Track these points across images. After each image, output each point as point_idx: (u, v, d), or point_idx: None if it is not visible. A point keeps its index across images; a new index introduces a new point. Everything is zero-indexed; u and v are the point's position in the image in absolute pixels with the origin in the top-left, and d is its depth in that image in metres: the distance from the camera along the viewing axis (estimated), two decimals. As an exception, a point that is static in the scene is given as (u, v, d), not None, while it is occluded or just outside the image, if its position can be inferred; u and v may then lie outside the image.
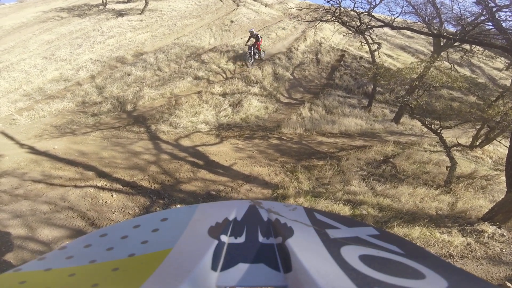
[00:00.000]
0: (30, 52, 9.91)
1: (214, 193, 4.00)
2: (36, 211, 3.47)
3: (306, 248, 0.48)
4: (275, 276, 0.45)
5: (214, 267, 0.45)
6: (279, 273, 0.45)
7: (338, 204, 3.71)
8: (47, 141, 5.45)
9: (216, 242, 0.50)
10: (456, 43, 8.05)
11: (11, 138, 5.52)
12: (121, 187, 4.04)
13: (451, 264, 0.50)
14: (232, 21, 13.99)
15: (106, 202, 3.72)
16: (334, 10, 9.00)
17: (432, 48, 9.43)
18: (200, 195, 3.95)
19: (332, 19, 9.11)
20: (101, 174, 4.30)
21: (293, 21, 14.50)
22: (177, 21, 13.70)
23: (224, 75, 9.24)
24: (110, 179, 4.20)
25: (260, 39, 9.77)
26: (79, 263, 0.46)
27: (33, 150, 5.02)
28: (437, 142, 5.86)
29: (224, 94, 8.05)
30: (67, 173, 4.29)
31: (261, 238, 0.55)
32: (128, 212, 3.60)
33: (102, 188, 3.97)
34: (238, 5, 16.54)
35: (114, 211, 3.58)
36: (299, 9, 13.56)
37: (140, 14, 14.46)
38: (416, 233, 3.21)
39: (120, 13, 14.64)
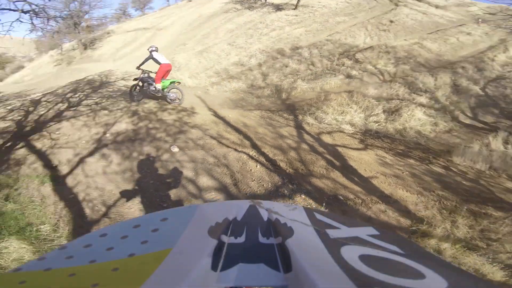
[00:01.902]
0: (220, 38, 12.58)
1: (341, 198, 3.69)
2: (205, 161, 4.36)
3: (306, 248, 0.47)
4: (275, 276, 0.44)
5: (214, 267, 0.45)
6: (279, 273, 0.45)
7: (493, 266, 2.84)
8: (225, 110, 6.85)
9: (216, 242, 0.49)
10: None
11: (204, 103, 7.36)
12: (264, 161, 4.46)
13: (451, 264, 0.47)
14: (391, 21, 12.66)
15: (251, 169, 4.22)
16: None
17: None
18: (327, 195, 3.75)
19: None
20: (254, 146, 4.93)
21: (483, 26, 11.64)
22: (328, 18, 13.59)
23: (381, 77, 8.62)
24: (259, 151, 4.74)
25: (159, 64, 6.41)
26: (79, 263, 0.45)
27: (215, 114, 6.42)
28: None
29: (378, 98, 7.41)
30: (232, 137, 5.22)
31: (261, 238, 0.54)
32: (262, 185, 3.88)
33: (252, 157, 4.52)
34: (396, 5, 14.80)
35: (254, 179, 3.99)
36: (491, 14, 10.73)
37: (294, 9, 15.09)
38: None
39: (278, 7, 15.72)
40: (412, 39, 10.77)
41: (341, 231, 0.58)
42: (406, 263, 0.44)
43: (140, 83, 6.79)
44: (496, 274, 2.83)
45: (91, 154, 4.51)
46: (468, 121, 6.70)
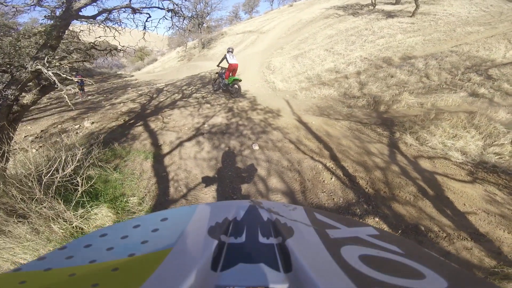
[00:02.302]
0: (317, 44, 12.46)
1: (422, 228, 3.30)
2: (279, 163, 4.37)
3: (306, 248, 0.47)
4: (275, 276, 0.43)
5: (214, 267, 0.44)
6: (279, 273, 0.44)
7: None
8: (309, 116, 6.70)
9: (216, 242, 0.49)
10: None
11: (290, 107, 7.40)
12: (341, 175, 4.19)
13: (451, 264, 0.45)
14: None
15: (324, 181, 4.01)
16: None
17: None
18: (406, 222, 3.35)
19: None
20: (333, 157, 4.66)
21: None
22: (456, 27, 11.47)
23: (521, 100, 6.64)
24: (337, 164, 4.46)
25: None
26: (79, 263, 0.45)
27: (298, 119, 6.38)
28: None
29: (510, 125, 5.79)
30: (311, 145, 5.06)
31: (261, 238, 0.54)
32: (333, 199, 3.67)
33: (327, 168, 4.30)
34: None
35: (324, 191, 3.79)
36: None
37: (410, 16, 13.68)
38: None
39: (389, 15, 14.48)
40: None
41: (341, 231, 0.58)
42: (406, 263, 0.44)
43: (218, 77, 8.56)
44: None
45: (189, 139, 5.26)
46: None
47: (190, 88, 9.62)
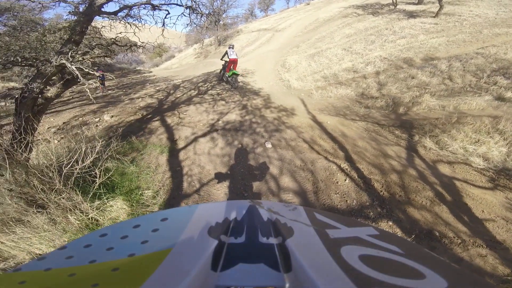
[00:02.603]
0: (335, 43, 12.24)
1: (437, 234, 3.23)
2: (292, 162, 4.33)
3: (306, 248, 0.47)
4: (275, 276, 0.44)
5: (214, 267, 0.44)
6: (279, 273, 0.44)
7: None
8: (325, 116, 6.60)
9: (216, 242, 0.49)
10: None
11: (305, 105, 7.32)
12: (356, 176, 4.11)
13: (451, 264, 0.45)
14: None
15: (337, 182, 3.95)
16: None
17: None
18: (420, 227, 3.27)
19: None
20: (348, 158, 4.58)
21: None
22: (483, 29, 10.96)
23: (554, 105, 6.25)
24: (352, 166, 4.38)
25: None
26: (79, 263, 0.45)
27: (313, 119, 6.30)
28: None
29: (538, 131, 5.46)
30: (326, 145, 4.99)
31: (261, 238, 0.54)
32: (346, 200, 3.61)
33: (342, 170, 4.23)
34: None
35: (338, 192, 3.73)
36: None
37: (434, 17, 13.24)
38: None
39: (411, 15, 14.06)
40: None
41: (341, 231, 0.58)
42: (406, 263, 0.44)
43: (222, 70, 9.75)
44: None
45: (204, 135, 5.32)
46: None
47: (206, 85, 9.72)
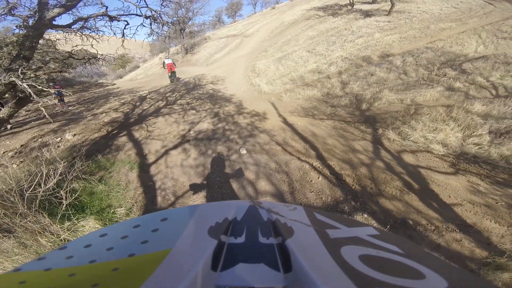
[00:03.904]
0: (299, 45, 12.66)
1: (411, 222, 3.37)
2: (267, 165, 4.39)
3: (306, 248, 0.47)
4: (275, 276, 0.43)
5: (214, 267, 0.44)
6: (279, 273, 0.44)
7: None
8: (295, 117, 6.77)
9: (216, 242, 0.49)
10: None
11: (276, 109, 7.45)
12: (328, 173, 4.24)
13: (451, 264, 0.46)
14: (515, 28, 10.15)
15: (311, 180, 4.05)
16: None
17: None
18: (394, 217, 3.42)
19: None
20: (319, 157, 4.72)
21: None
22: (430, 24, 12.03)
23: (493, 92, 6.99)
24: (324, 163, 4.52)
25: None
26: (79, 263, 0.45)
27: (284, 121, 6.43)
28: None
29: (485, 116, 6.04)
30: (298, 146, 5.11)
31: (261, 238, 0.54)
32: (321, 198, 3.71)
33: (315, 168, 4.35)
34: None
35: (312, 191, 3.83)
36: None
37: (387, 15, 14.16)
38: None
39: (367, 14, 14.93)
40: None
41: (341, 231, 0.58)
42: (406, 263, 0.44)
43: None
44: None
45: (175, 147, 5.19)
46: None
47: (174, 95, 9.52)
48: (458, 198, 3.90)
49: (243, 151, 4.88)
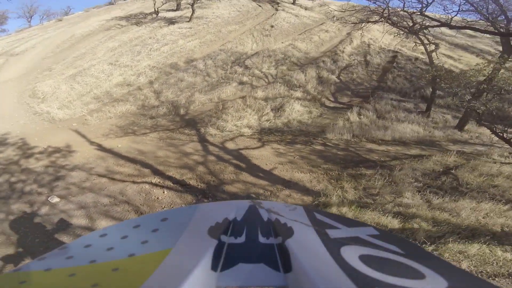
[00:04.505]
0: (98, 59, 11.24)
1: (254, 196, 4.05)
2: (98, 203, 3.84)
3: (306, 248, 0.48)
4: (275, 276, 0.44)
5: (214, 267, 0.45)
6: (279, 273, 0.45)
7: (387, 216, 3.46)
8: (112, 140, 6.10)
9: (216, 242, 0.50)
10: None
11: (83, 136, 6.28)
12: (172, 184, 4.31)
13: (451, 264, 0.50)
14: (272, 26, 14.18)
15: (157, 198, 3.98)
16: (382, 11, 8.70)
17: (500, 48, 8.05)
18: (241, 197, 4.02)
19: (381, 20, 8.85)
20: (156, 172, 4.64)
21: (337, 23, 14.21)
22: (221, 28, 14.24)
23: (266, 80, 9.45)
24: (163, 176, 4.51)
25: None
26: (79, 263, 0.46)
27: (100, 148, 5.65)
28: (510, 153, 5.31)
29: (266, 99, 8.17)
30: (127, 170, 4.73)
31: (261, 238, 0.55)
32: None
33: (156, 185, 4.28)
34: (276, 10, 16.65)
35: (164, 207, 3.82)
36: (342, 11, 13.30)
37: (188, 21, 15.21)
38: (473, 250, 2.88)
39: (171, 21, 15.55)
40: (287, 41, 12.29)
41: (341, 231, 0.58)
42: (406, 263, 0.44)
43: None
44: (393, 221, 3.44)
45: None
46: (332, 105, 8.46)
47: None
48: (272, 164, 4.95)
49: (54, 199, 3.90)
